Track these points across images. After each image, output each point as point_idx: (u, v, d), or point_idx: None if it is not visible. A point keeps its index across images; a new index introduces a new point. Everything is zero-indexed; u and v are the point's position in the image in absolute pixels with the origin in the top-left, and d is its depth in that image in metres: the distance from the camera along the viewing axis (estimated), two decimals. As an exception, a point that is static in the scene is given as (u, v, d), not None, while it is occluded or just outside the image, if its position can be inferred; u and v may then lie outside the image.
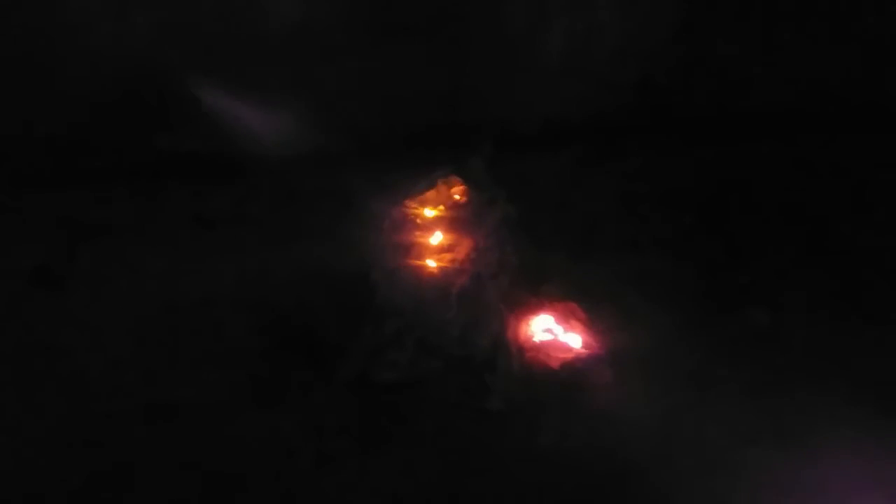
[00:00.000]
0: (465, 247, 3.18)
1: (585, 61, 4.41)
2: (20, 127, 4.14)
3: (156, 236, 3.90)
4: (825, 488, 2.58)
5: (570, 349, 3.22)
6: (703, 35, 4.46)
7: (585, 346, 3.23)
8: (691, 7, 4.40)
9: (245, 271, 3.62)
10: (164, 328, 3.33)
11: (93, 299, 3.52)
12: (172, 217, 4.02)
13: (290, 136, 4.09)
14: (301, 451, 2.79)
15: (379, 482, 2.68)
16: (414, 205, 3.39)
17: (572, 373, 3.08)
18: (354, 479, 2.69)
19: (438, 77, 4.32)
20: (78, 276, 3.66)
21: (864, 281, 3.61)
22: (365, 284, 3.17)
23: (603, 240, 3.88)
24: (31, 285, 3.61)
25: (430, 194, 3.44)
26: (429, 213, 3.37)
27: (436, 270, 3.12)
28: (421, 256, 3.18)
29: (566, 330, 3.28)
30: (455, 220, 3.30)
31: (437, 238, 3.25)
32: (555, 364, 3.15)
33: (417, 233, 3.27)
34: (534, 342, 3.24)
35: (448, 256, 3.17)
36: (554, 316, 3.31)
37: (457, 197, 3.44)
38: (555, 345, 3.23)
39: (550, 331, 3.28)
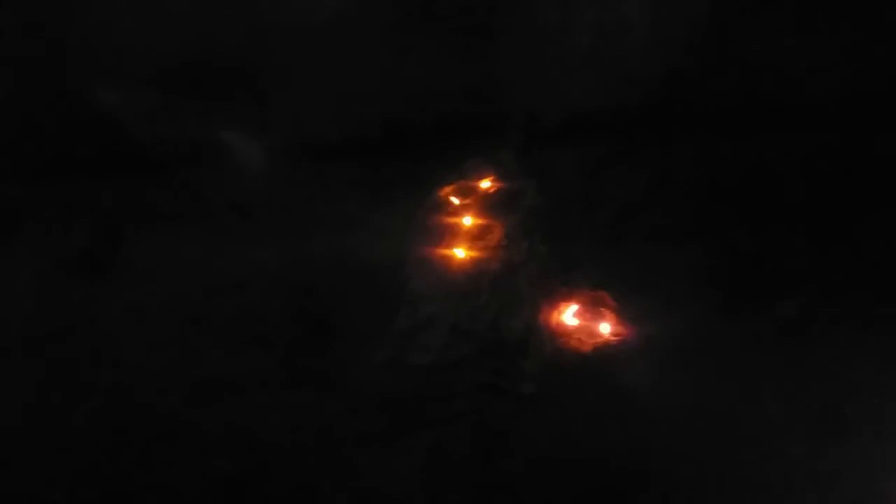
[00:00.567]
0: (495, 235, 3.23)
1: (614, 54, 4.45)
2: (65, 118, 4.28)
3: (195, 223, 4.03)
4: (855, 471, 2.61)
5: (600, 335, 3.29)
6: (731, 28, 4.46)
7: (615, 333, 3.30)
8: (719, 1, 4.42)
9: (282, 257, 3.72)
10: (204, 311, 3.44)
11: (135, 282, 3.66)
12: (211, 205, 4.14)
13: (322, 126, 4.20)
14: (337, 428, 2.86)
15: (412, 461, 2.74)
16: (446, 194, 3.48)
17: (603, 358, 3.14)
18: (388, 457, 2.75)
19: (469, 69, 4.37)
20: (121, 262, 3.81)
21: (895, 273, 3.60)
22: (399, 271, 3.24)
23: (631, 229, 3.92)
24: (77, 270, 3.75)
25: (462, 184, 3.53)
26: (460, 202, 3.43)
27: (467, 258, 3.19)
28: (452, 244, 3.24)
29: (596, 317, 3.35)
30: (486, 209, 3.36)
31: (468, 226, 3.31)
32: (586, 349, 3.22)
33: (449, 221, 3.33)
34: (565, 328, 3.32)
35: (479, 244, 3.22)
36: (584, 303, 3.39)
37: (487, 186, 3.52)
38: (585, 331, 3.30)
39: (581, 317, 3.35)
